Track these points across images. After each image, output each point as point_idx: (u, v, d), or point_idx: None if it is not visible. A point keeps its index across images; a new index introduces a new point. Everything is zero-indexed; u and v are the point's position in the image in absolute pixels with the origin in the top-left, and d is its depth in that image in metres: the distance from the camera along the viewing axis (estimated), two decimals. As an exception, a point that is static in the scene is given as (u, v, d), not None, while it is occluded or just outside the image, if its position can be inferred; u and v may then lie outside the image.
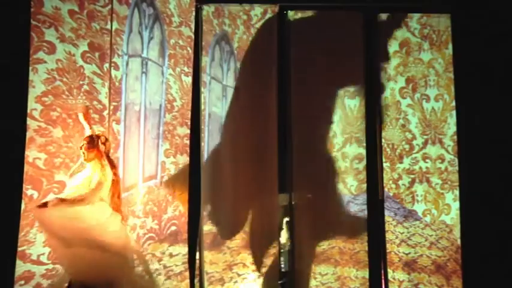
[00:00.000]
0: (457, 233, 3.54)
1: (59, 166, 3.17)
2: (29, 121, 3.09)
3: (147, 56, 3.67)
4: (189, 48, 3.80)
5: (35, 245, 3.08)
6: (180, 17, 3.81)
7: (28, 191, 3.07)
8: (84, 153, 3.03)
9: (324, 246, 3.62)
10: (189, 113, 3.67)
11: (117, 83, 3.39)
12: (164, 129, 3.69)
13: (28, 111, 3.09)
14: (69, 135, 3.21)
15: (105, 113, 3.34)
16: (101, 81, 3.33)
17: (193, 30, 3.74)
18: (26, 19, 3.09)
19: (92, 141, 3.04)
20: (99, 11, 3.33)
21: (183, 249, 3.38)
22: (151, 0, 3.70)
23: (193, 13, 3.75)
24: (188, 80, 3.80)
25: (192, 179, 3.53)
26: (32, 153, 3.10)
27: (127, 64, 3.51)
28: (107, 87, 3.34)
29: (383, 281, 3.47)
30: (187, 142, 3.65)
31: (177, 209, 3.50)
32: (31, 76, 3.12)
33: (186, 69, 3.79)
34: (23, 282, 3.01)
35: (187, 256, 3.43)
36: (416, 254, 3.57)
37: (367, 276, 3.47)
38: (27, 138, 3.07)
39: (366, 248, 3.48)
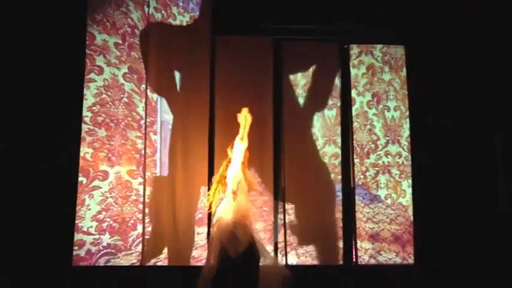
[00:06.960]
0: (410, 211, 4.38)
1: (102, 159, 4.09)
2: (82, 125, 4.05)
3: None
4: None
5: (85, 220, 3.99)
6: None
7: (79, 178, 4.02)
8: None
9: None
10: None
11: (153, 103, 4.30)
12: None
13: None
14: (111, 135, 4.15)
15: (142, 122, 4.24)
16: (138, 97, 4.26)
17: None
18: (82, 50, 4.12)
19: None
20: (136, 44, 4.32)
21: (205, 229, 4.19)
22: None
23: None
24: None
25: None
26: (82, 149, 4.05)
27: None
28: (143, 102, 4.24)
29: (353, 248, 4.30)
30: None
31: (202, 202, 4.19)
32: (84, 91, 4.11)
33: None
34: (76, 247, 3.93)
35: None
36: (379, 229, 4.33)
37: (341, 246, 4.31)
38: (81, 138, 4.04)
39: (341, 224, 4.33)
